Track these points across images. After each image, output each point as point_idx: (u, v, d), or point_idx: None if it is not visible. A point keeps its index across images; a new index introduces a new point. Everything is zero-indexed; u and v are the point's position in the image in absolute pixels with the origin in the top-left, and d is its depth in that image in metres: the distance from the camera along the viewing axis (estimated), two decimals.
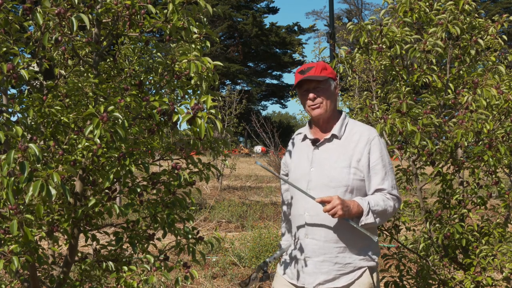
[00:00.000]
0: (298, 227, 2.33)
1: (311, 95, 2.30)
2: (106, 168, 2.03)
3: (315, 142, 2.35)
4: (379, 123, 2.84)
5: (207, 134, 1.96)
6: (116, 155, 1.97)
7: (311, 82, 2.29)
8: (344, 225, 2.20)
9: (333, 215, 2.10)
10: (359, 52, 3.19)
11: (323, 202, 2.12)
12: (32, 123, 2.11)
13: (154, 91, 2.36)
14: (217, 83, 2.22)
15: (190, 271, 2.21)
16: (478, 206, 3.17)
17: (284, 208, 2.53)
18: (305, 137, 2.41)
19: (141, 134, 2.15)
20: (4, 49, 1.89)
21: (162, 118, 2.09)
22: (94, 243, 2.33)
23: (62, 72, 2.43)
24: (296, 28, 46.17)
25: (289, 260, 2.40)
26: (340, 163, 2.25)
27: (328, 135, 2.33)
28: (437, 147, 3.03)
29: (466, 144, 2.92)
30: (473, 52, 3.15)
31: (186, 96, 2.29)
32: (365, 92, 3.74)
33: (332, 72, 2.36)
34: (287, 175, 2.48)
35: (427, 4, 3.16)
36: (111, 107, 1.89)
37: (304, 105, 2.36)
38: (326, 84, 2.31)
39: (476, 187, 3.14)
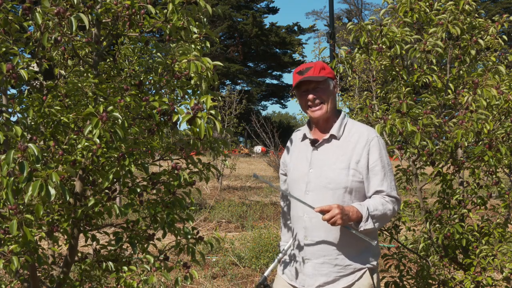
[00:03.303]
0: (298, 229, 2.32)
1: (310, 96, 2.28)
2: (105, 168, 2.03)
3: (314, 143, 2.34)
4: (379, 123, 2.84)
5: (206, 134, 1.96)
6: (116, 155, 1.97)
7: (310, 82, 2.28)
8: (344, 227, 2.19)
9: (332, 224, 2.09)
10: (359, 52, 3.19)
11: (322, 211, 2.11)
12: (32, 123, 2.11)
13: (154, 91, 2.36)
14: (217, 83, 2.22)
15: (190, 271, 2.21)
16: (478, 206, 3.17)
17: (284, 208, 2.52)
18: (304, 137, 2.40)
19: (141, 134, 2.14)
20: (4, 49, 1.88)
21: (162, 118, 2.09)
22: (94, 243, 2.33)
23: (62, 72, 2.43)
24: (296, 28, 46.15)
25: (288, 261, 2.39)
26: (339, 164, 2.24)
27: (326, 136, 2.32)
28: (437, 147, 3.03)
29: (466, 144, 2.92)
30: (473, 52, 3.15)
31: (186, 96, 2.29)
32: (365, 92, 3.74)
33: (331, 71, 2.34)
34: (285, 174, 2.48)
35: (427, 4, 3.16)
36: (111, 107, 1.89)
37: (302, 106, 2.35)
38: (325, 84, 2.29)
39: (476, 187, 3.14)
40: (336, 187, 2.21)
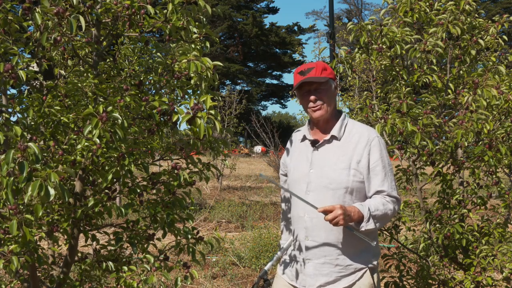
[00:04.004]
0: (298, 229, 2.32)
1: (312, 97, 2.28)
2: (105, 168, 2.03)
3: (315, 143, 2.34)
4: (379, 123, 2.84)
5: (206, 134, 1.96)
6: (116, 155, 1.97)
7: (312, 83, 2.28)
8: (344, 228, 2.20)
9: (335, 225, 2.10)
10: (359, 52, 3.19)
11: (325, 212, 2.11)
12: (32, 123, 2.10)
13: (154, 91, 2.36)
14: (217, 83, 2.22)
15: (190, 271, 2.21)
16: (478, 206, 3.17)
17: (284, 208, 2.52)
18: (304, 138, 2.40)
19: (141, 134, 2.14)
20: (3, 49, 1.88)
21: (162, 118, 2.09)
22: (94, 243, 2.33)
23: (62, 72, 2.43)
24: (296, 28, 46.14)
25: (289, 261, 2.39)
26: (339, 164, 2.24)
27: (327, 137, 2.31)
28: (437, 147, 3.03)
29: (466, 144, 2.92)
30: (473, 52, 3.15)
31: (186, 96, 2.29)
32: (365, 92, 3.74)
33: (332, 72, 2.35)
34: (286, 175, 2.48)
35: (427, 4, 3.16)
36: (110, 107, 1.89)
37: (304, 106, 2.35)
38: (326, 85, 2.30)
39: (476, 187, 3.14)
40: (337, 187, 2.22)
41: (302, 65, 2.37)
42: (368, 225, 2.15)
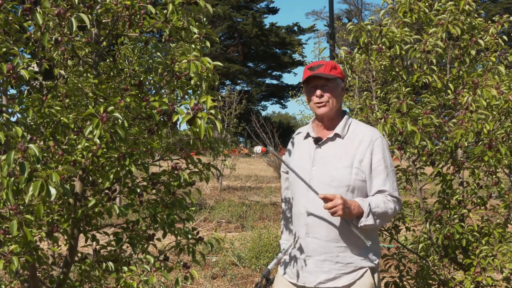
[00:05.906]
0: (299, 226, 2.33)
1: (318, 92, 2.29)
2: (106, 169, 2.03)
3: (318, 141, 2.35)
4: (380, 123, 2.84)
5: (206, 134, 1.96)
6: (116, 156, 1.97)
7: (319, 79, 2.30)
8: (345, 225, 2.20)
9: (333, 214, 2.10)
10: (359, 52, 3.19)
11: (325, 199, 2.12)
12: (32, 123, 2.10)
13: (154, 91, 2.36)
14: (217, 83, 2.22)
15: (190, 272, 2.21)
16: (478, 207, 3.17)
17: (284, 206, 2.52)
18: (307, 135, 2.41)
19: (141, 135, 2.14)
20: (4, 49, 1.88)
21: (162, 119, 2.09)
22: (94, 243, 2.33)
23: (62, 72, 2.43)
24: (296, 28, 46.11)
25: (289, 259, 2.39)
26: (342, 162, 2.25)
27: (331, 134, 2.32)
28: (437, 147, 3.03)
29: (466, 145, 2.92)
30: (473, 52, 3.15)
31: (186, 97, 2.29)
32: (365, 93, 3.74)
33: (341, 72, 2.37)
34: (287, 173, 2.48)
35: (427, 4, 3.16)
36: (111, 108, 1.89)
37: (309, 101, 2.36)
38: (334, 83, 2.31)
39: (476, 187, 3.14)
40: (339, 185, 2.22)
41: (313, 62, 2.39)
42: (367, 220, 2.16)
